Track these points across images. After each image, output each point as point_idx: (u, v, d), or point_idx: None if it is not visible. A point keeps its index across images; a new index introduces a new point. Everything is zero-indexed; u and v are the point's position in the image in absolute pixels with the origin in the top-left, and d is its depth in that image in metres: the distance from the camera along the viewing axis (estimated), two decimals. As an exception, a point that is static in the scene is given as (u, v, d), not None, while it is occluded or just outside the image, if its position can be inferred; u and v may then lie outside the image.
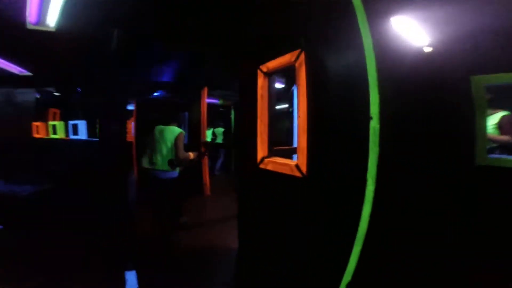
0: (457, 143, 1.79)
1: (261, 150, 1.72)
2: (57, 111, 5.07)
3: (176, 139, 2.82)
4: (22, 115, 4.26)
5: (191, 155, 2.93)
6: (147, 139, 2.98)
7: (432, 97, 1.60)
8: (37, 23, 2.39)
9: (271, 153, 1.72)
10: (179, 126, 3.05)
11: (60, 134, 4.11)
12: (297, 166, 1.39)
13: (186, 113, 6.39)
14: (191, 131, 5.71)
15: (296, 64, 1.48)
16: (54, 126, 4.23)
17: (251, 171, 1.85)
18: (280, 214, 1.63)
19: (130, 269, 2.29)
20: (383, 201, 1.22)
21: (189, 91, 5.36)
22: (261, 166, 1.70)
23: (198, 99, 5.12)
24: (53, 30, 2.48)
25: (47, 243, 2.75)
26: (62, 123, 4.17)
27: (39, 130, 4.33)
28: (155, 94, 6.58)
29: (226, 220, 3.74)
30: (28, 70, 4.43)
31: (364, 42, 1.24)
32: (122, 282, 2.14)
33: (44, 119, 4.59)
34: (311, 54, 1.43)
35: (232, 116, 8.44)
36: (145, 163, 2.90)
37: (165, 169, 2.80)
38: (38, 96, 4.53)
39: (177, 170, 2.92)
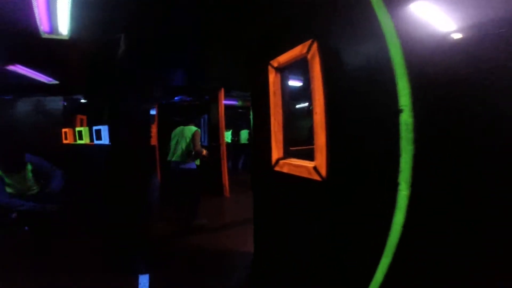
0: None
1: (276, 151, 1.58)
2: (84, 117, 5.30)
3: (193, 135, 3.37)
4: (52, 122, 4.49)
5: (204, 151, 3.42)
6: (171, 137, 3.57)
7: (473, 85, 1.36)
8: (50, 32, 2.46)
9: (287, 154, 1.57)
10: (197, 126, 3.57)
11: (85, 140, 4.27)
12: (315, 168, 1.23)
13: (206, 116, 6.41)
14: (210, 132, 5.70)
15: (309, 56, 1.33)
16: (80, 132, 4.41)
17: (265, 174, 1.71)
18: (298, 220, 1.48)
19: (143, 272, 2.27)
20: (419, 208, 1.03)
21: (206, 93, 5.35)
22: (276, 168, 1.57)
23: (216, 100, 5.09)
24: (67, 38, 2.53)
25: (62, 245, 2.81)
26: (87, 129, 4.33)
27: (67, 136, 4.54)
28: (176, 98, 6.69)
29: (245, 223, 3.63)
30: (56, 79, 4.67)
31: (383, 26, 1.07)
32: (135, 285, 2.12)
33: (72, 125, 4.82)
34: (324, 44, 1.27)
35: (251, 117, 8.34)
36: (169, 157, 3.49)
37: (185, 161, 3.37)
38: (65, 103, 4.76)
39: (196, 162, 3.45)
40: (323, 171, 1.19)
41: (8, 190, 2.60)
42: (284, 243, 1.67)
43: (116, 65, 3.24)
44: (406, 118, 1.00)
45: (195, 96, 5.89)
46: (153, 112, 6.80)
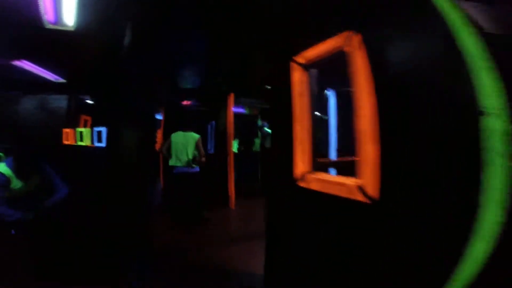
0: None
1: (301, 163, 1.31)
2: (89, 118, 5.11)
3: (198, 142, 3.69)
4: (54, 121, 4.31)
5: (203, 158, 3.72)
6: (170, 143, 3.74)
7: None
8: (55, 23, 2.30)
9: (315, 167, 1.30)
10: (197, 132, 3.83)
11: (86, 141, 4.07)
12: (360, 187, 0.96)
13: (213, 122, 6.18)
14: (217, 140, 5.45)
15: (348, 49, 1.09)
16: (81, 133, 4.22)
17: (286, 190, 1.44)
18: (330, 248, 1.19)
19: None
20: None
21: (214, 98, 5.15)
22: (302, 184, 1.29)
23: (225, 106, 4.87)
24: (72, 29, 2.36)
25: (52, 252, 2.54)
26: (88, 130, 4.14)
27: (68, 137, 4.34)
28: (184, 102, 6.50)
29: (250, 239, 3.33)
30: (63, 77, 4.52)
31: (448, 13, 0.85)
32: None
33: (75, 126, 4.62)
34: (369, 35, 1.03)
35: (258, 123, 8.09)
36: (172, 162, 3.69)
37: (190, 166, 3.66)
38: (70, 103, 4.59)
39: (197, 166, 3.75)
40: (373, 191, 0.92)
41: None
42: (307, 273, 1.37)
43: (122, 63, 3.07)
44: (495, 125, 0.73)
45: (203, 101, 5.70)
46: (159, 117, 6.63)
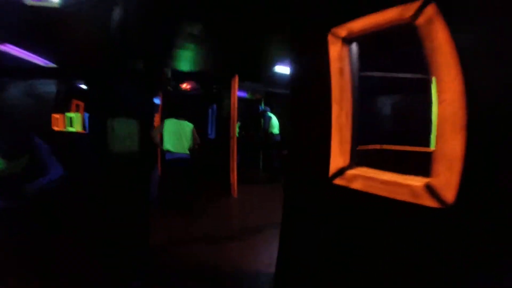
0: None
1: (339, 155, 1.11)
2: (81, 103, 4.80)
3: (193, 131, 3.88)
4: (43, 106, 4.02)
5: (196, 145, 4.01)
6: (162, 129, 3.81)
7: None
8: (38, -1, 2.00)
9: (355, 161, 1.10)
10: (195, 118, 4.06)
11: (77, 127, 3.81)
12: (428, 187, 0.77)
13: (214, 106, 5.90)
14: (219, 124, 5.20)
15: (419, 22, 0.87)
16: (71, 118, 3.94)
17: (314, 188, 1.24)
18: (373, 262, 1.02)
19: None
20: None
21: (217, 80, 4.86)
22: (339, 182, 1.10)
23: (227, 89, 4.59)
24: (57, 6, 2.06)
25: (46, 250, 2.38)
26: (79, 115, 3.86)
27: (58, 123, 4.06)
28: (184, 85, 6.19)
29: (254, 231, 3.16)
30: (53, 62, 4.19)
31: None
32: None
33: (66, 111, 4.33)
34: (448, 4, 0.81)
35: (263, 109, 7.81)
36: (169, 147, 3.76)
37: (185, 152, 3.83)
38: (58, 87, 4.27)
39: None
40: (449, 194, 0.73)
41: None
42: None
43: (114, 44, 2.76)
44: None
45: (204, 84, 5.40)
46: (157, 101, 6.32)
